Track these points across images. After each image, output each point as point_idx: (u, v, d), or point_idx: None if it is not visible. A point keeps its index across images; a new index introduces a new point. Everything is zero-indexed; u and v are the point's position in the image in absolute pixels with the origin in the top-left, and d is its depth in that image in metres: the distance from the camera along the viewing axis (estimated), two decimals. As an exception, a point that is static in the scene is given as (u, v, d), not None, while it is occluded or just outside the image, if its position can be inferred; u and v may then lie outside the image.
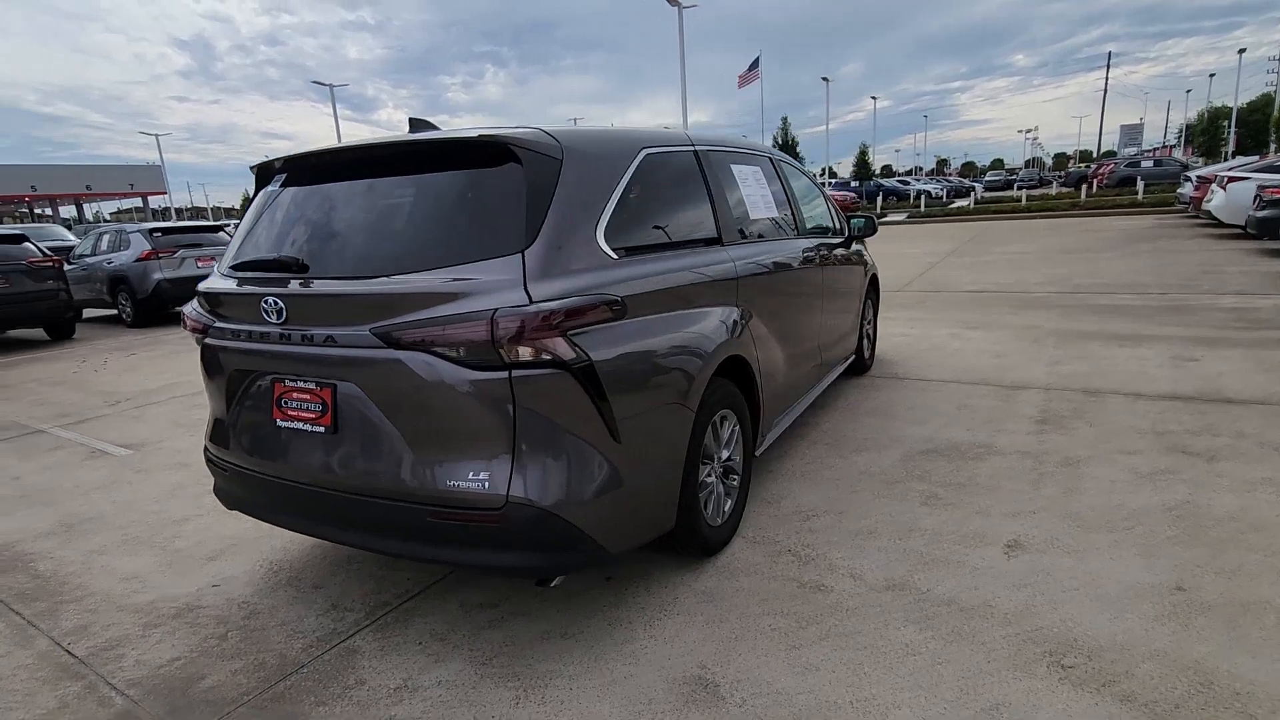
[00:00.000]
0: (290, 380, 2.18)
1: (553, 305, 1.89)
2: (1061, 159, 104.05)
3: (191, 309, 2.49)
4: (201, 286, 2.43)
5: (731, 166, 3.22)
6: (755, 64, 32.62)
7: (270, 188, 2.50)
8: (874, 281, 5.27)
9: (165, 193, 60.88)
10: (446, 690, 2.09)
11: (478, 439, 1.94)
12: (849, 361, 4.81)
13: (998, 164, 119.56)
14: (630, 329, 2.15)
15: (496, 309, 1.85)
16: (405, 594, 2.63)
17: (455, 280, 1.91)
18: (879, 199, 28.76)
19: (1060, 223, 18.25)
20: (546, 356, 1.90)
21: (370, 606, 2.57)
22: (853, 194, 23.07)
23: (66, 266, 10.76)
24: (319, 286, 2.09)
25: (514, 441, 1.93)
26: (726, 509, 2.82)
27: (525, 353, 1.88)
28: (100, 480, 4.07)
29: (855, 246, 4.78)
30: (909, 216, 22.10)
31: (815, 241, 3.89)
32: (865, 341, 5.20)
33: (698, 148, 2.95)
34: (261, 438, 2.31)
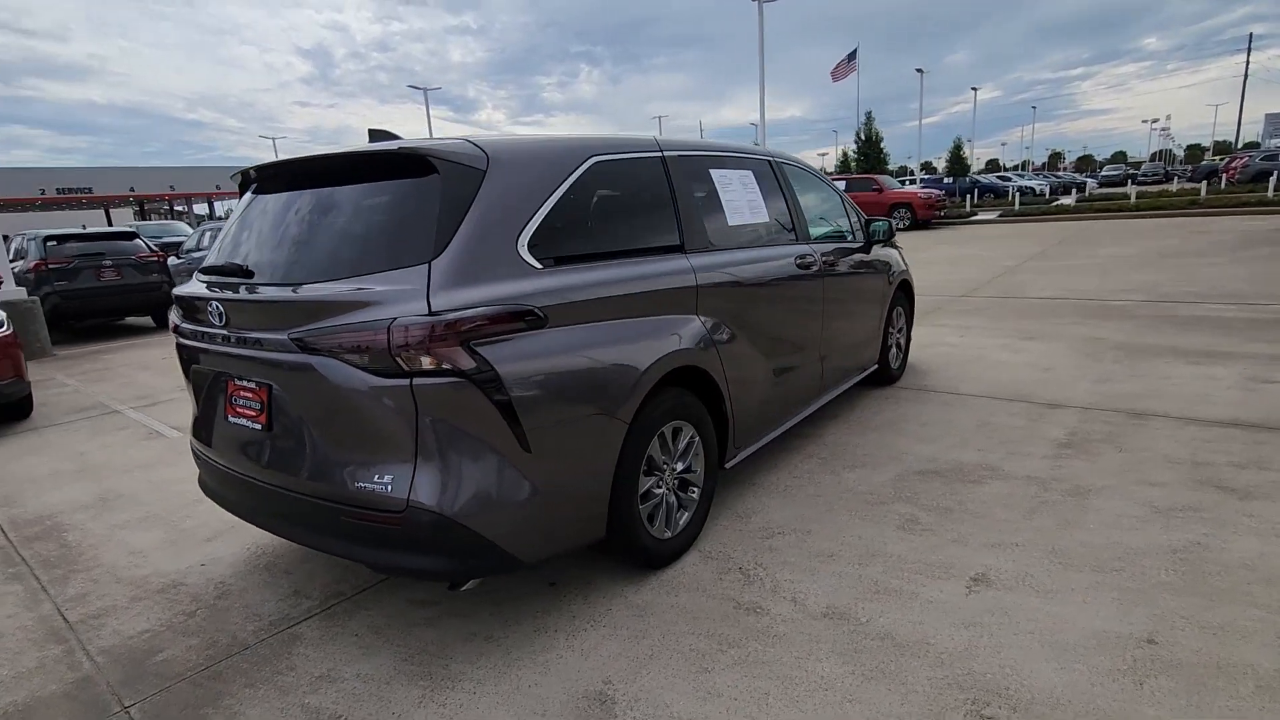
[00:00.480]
0: (238, 380, 2.32)
1: (452, 315, 1.92)
2: (1195, 151, 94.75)
3: (172, 311, 2.69)
4: (175, 290, 2.62)
5: (711, 172, 3.15)
6: (852, 56, 31.54)
7: (247, 195, 2.66)
8: (905, 288, 5.02)
9: (282, 191, 65.27)
10: (363, 684, 2.16)
11: (383, 443, 1.99)
12: (869, 371, 4.60)
13: (1119, 157, 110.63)
14: (550, 339, 2.15)
15: (395, 318, 1.89)
16: (361, 586, 2.74)
17: (362, 289, 1.97)
18: (970, 196, 27.19)
19: (1171, 223, 16.67)
20: (446, 366, 1.93)
21: (326, 596, 2.69)
22: (940, 191, 21.83)
23: (173, 260, 11.83)
24: (255, 293, 2.21)
25: (416, 447, 1.97)
26: (681, 522, 2.77)
27: (426, 361, 1.92)
28: (146, 459, 4.46)
29: (879, 252, 4.56)
30: (1001, 215, 20.76)
31: (817, 248, 3.74)
32: (894, 351, 4.96)
33: (666, 153, 2.90)
34: (220, 433, 2.46)
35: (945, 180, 31.85)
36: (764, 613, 2.38)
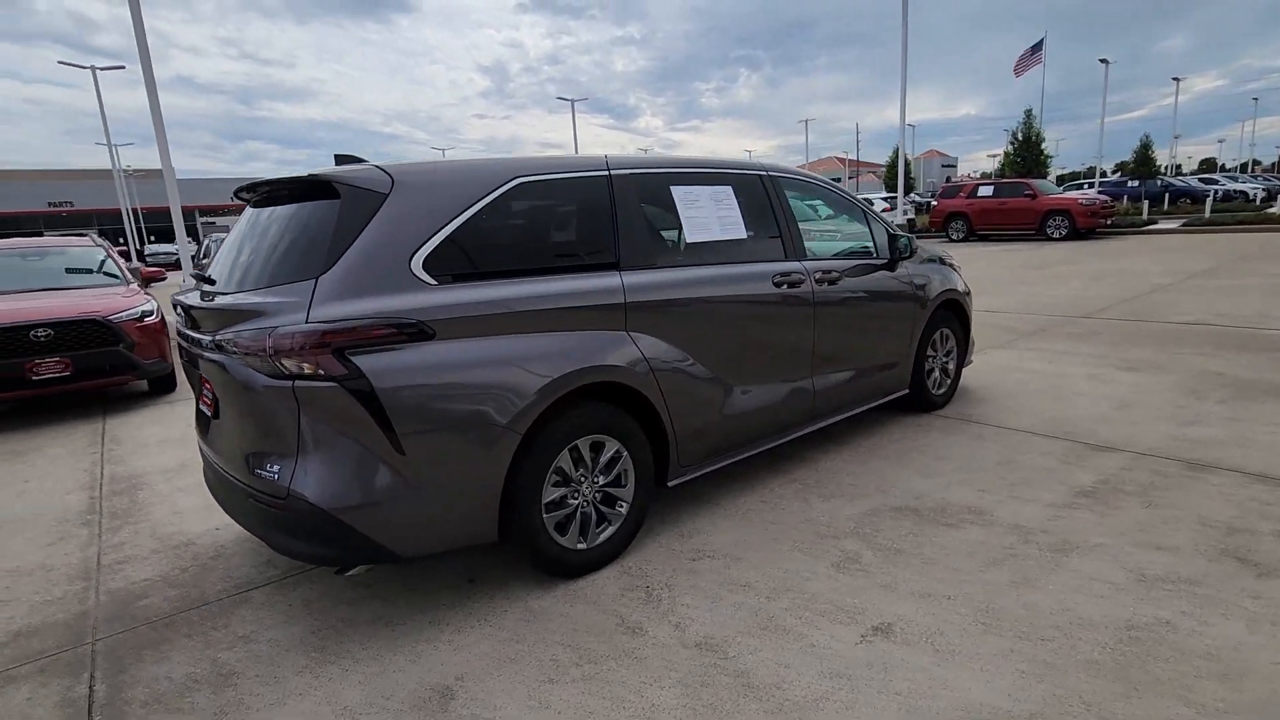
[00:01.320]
0: (203, 374, 2.70)
1: (325, 326, 2.13)
2: None
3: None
4: (173, 295, 3.08)
5: (673, 189, 3.14)
6: (1037, 47, 28.89)
7: (246, 210, 3.07)
8: (952, 307, 4.63)
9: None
10: (269, 648, 2.44)
11: (275, 436, 2.25)
12: (894, 396, 4.31)
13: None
14: (436, 351, 2.30)
15: (276, 327, 2.14)
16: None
17: (262, 301, 2.24)
18: (1154, 202, 23.79)
19: None
20: (321, 371, 2.14)
21: (290, 567, 3.03)
22: (1104, 196, 19.26)
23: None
24: (206, 299, 2.57)
25: (298, 442, 2.21)
26: (603, 535, 2.82)
27: (304, 367, 2.14)
28: (231, 434, 5.18)
29: (911, 269, 4.26)
30: (1184, 224, 18.00)
31: (811, 265, 3.59)
32: (936, 375, 4.59)
33: (614, 172, 2.95)
34: (199, 422, 2.88)
35: (1130, 183, 28.13)
36: (641, 634, 2.38)
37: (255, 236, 2.63)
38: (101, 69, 24.46)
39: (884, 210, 23.75)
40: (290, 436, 2.21)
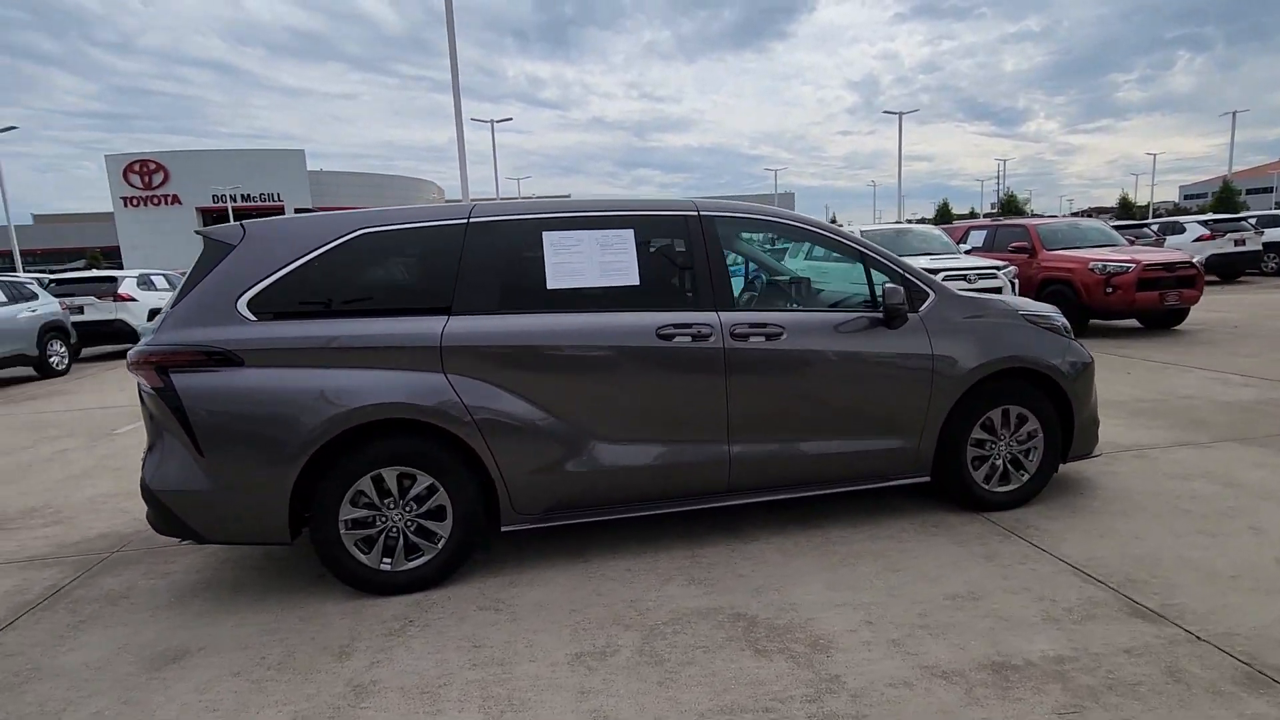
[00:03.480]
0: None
1: (151, 349, 2.76)
2: None
3: None
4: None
5: (544, 234, 3.12)
6: None
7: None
8: (1035, 379, 3.52)
9: (790, 215, 73.06)
10: (126, 603, 3.06)
11: (150, 426, 2.96)
12: (901, 481, 3.47)
13: None
14: (242, 375, 2.77)
15: (134, 347, 2.84)
16: (274, 533, 3.78)
17: (155, 325, 2.96)
18: None
19: None
20: (149, 384, 2.78)
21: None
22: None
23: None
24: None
25: (150, 433, 2.89)
26: (414, 563, 2.97)
27: (141, 379, 2.81)
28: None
29: (931, 325, 3.39)
30: None
31: (729, 316, 3.16)
32: (1000, 466, 3.54)
33: (474, 220, 3.07)
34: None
35: None
36: (347, 657, 2.51)
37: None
38: (498, 121, 31.34)
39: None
40: (151, 428, 2.91)
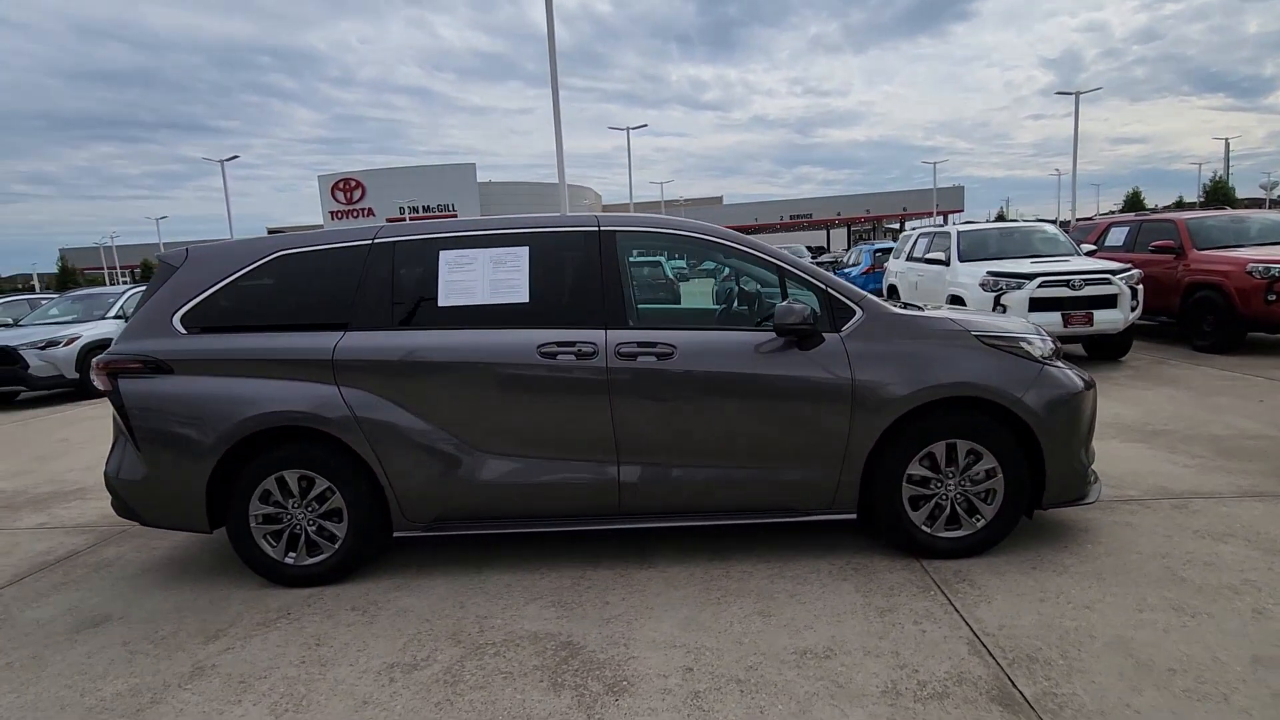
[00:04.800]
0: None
1: (104, 357, 3.23)
2: None
3: None
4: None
5: (441, 254, 3.22)
6: None
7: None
8: (996, 412, 3.07)
9: (961, 210, 67.69)
10: (106, 571, 3.59)
11: (118, 425, 3.46)
12: (821, 517, 3.17)
13: None
14: (172, 381, 3.16)
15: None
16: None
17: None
18: None
19: None
20: (105, 386, 3.25)
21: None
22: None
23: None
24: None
25: (114, 430, 3.38)
26: (319, 557, 3.21)
27: (99, 383, 3.29)
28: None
29: (853, 347, 3.06)
30: None
31: (616, 335, 3.07)
32: (946, 508, 3.12)
33: (377, 241, 3.25)
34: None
35: None
36: (216, 639, 2.79)
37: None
38: (634, 128, 32.25)
39: None
40: (114, 428, 3.40)
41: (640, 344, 3.09)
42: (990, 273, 7.69)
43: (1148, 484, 3.91)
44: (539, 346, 3.10)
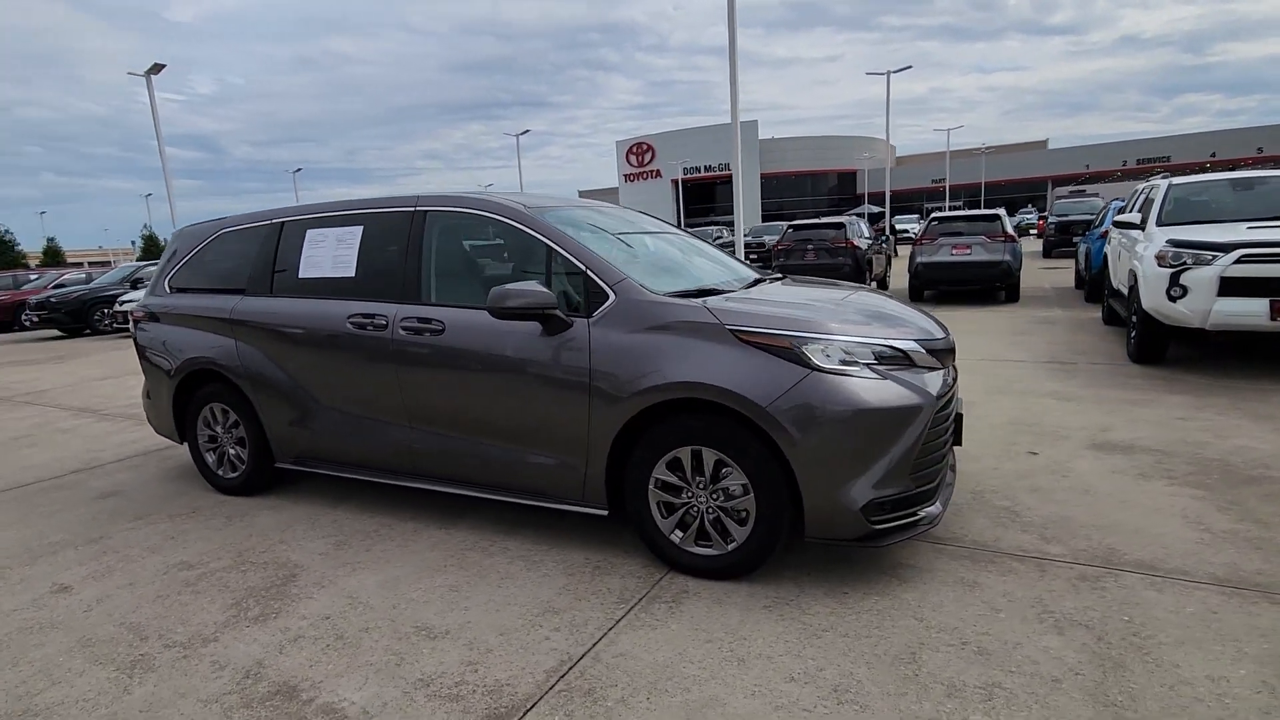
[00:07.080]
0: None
1: (130, 307, 4.44)
2: None
3: None
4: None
5: (309, 232, 3.74)
6: None
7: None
8: (737, 419, 2.67)
9: None
10: (113, 498, 4.98)
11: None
12: (574, 508, 3.07)
13: None
14: (156, 327, 4.26)
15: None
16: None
17: (159, 292, 4.68)
18: None
19: None
20: (131, 330, 4.47)
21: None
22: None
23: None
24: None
25: (147, 360, 4.64)
26: (232, 475, 4.10)
27: (130, 326, 4.52)
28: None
29: (597, 337, 2.87)
30: None
31: (401, 309, 3.30)
32: (705, 524, 2.82)
33: (287, 219, 3.88)
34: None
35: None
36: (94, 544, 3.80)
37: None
38: (894, 72, 29.03)
39: None
40: (150, 357, 4.67)
41: (419, 319, 3.28)
42: (1171, 241, 5.76)
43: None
44: (349, 317, 3.47)
